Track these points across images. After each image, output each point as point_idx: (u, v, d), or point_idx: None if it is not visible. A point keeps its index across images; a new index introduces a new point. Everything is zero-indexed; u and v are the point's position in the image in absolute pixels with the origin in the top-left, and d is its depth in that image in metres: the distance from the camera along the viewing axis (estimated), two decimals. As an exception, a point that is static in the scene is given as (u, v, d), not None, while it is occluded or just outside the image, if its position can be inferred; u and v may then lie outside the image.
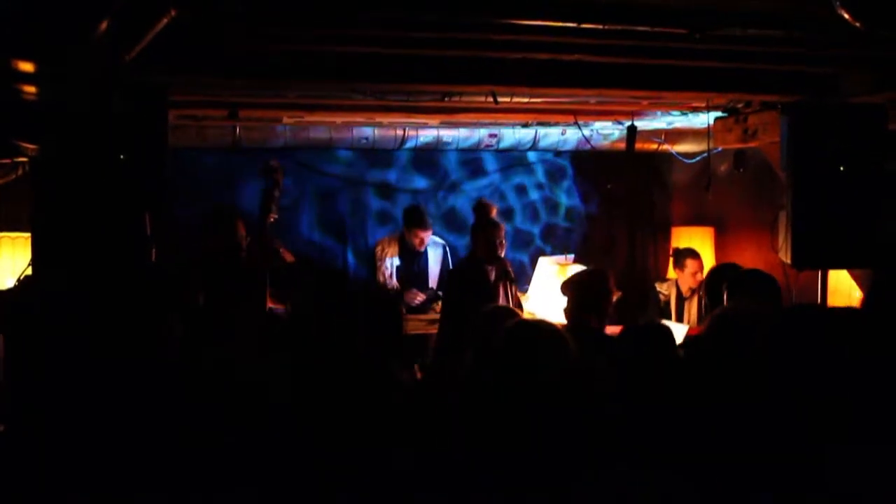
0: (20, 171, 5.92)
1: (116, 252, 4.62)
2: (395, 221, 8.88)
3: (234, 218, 5.88)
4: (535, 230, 9.78)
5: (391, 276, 7.80)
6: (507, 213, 9.49)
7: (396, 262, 7.81)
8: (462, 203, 9.40)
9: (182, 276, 4.90)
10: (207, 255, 5.83)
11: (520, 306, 6.76)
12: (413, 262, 7.86)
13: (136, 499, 2.67)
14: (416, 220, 7.73)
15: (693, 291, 7.45)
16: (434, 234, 8.03)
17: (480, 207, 7.21)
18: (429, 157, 9.18)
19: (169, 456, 2.79)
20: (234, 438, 2.81)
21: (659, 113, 7.40)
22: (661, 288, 7.82)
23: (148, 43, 3.85)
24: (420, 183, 9.29)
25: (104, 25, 3.14)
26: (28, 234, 5.36)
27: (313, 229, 9.01)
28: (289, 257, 6.06)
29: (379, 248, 7.94)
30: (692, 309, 7.39)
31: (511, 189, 9.64)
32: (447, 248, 7.93)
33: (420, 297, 7.67)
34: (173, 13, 3.68)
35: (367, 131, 8.03)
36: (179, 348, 3.83)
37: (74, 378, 3.71)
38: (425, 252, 7.88)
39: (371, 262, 8.04)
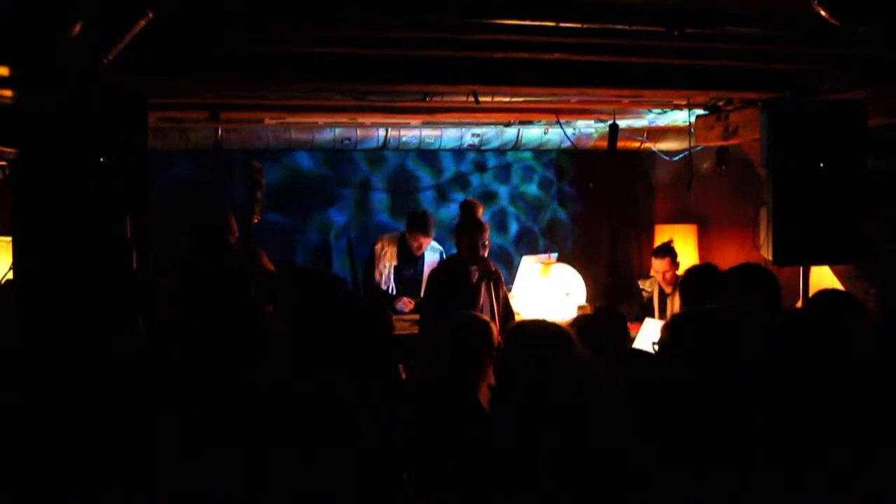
0: (0, 176, 5.90)
1: (97, 256, 4.60)
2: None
3: (221, 226, 5.87)
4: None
5: (388, 276, 7.79)
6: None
7: (395, 263, 7.79)
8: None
9: (156, 279, 4.89)
10: (193, 257, 5.83)
11: (509, 307, 6.71)
12: (409, 265, 7.84)
13: (108, 495, 2.68)
14: (419, 225, 7.68)
15: (674, 288, 7.45)
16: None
17: (467, 206, 7.18)
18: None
19: (138, 453, 2.79)
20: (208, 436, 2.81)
21: (641, 111, 7.41)
22: (644, 285, 7.83)
23: (126, 45, 3.84)
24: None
25: (78, 28, 3.13)
26: (8, 238, 5.34)
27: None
28: (269, 265, 6.04)
29: (378, 246, 7.92)
30: (674, 305, 7.38)
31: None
32: (444, 255, 7.91)
33: (410, 307, 7.66)
34: (150, 15, 3.67)
35: (350, 132, 8.02)
36: (145, 348, 3.83)
37: (54, 380, 3.70)
38: (422, 256, 7.86)
39: (369, 258, 8.02)
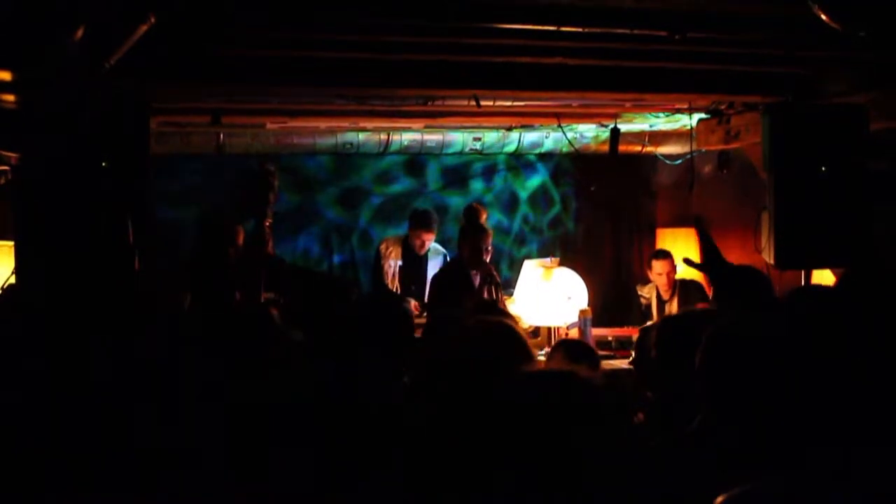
0: (2, 180, 5.89)
1: (99, 259, 4.61)
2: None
3: (228, 228, 5.88)
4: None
5: (394, 276, 7.78)
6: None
7: (400, 262, 7.79)
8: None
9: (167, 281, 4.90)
10: (198, 258, 5.83)
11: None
12: (413, 266, 7.83)
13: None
14: (421, 221, 7.67)
15: (672, 293, 7.42)
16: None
17: (470, 211, 7.17)
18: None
19: (150, 460, 2.79)
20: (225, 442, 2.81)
21: (643, 115, 7.41)
22: (643, 291, 7.79)
23: (128, 50, 3.85)
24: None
25: (80, 32, 3.14)
26: (11, 243, 5.35)
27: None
28: (270, 250, 6.04)
29: (383, 246, 7.91)
30: (672, 311, 7.35)
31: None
32: (447, 258, 7.89)
33: (416, 311, 7.63)
34: (152, 20, 3.68)
35: (352, 136, 8.01)
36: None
37: (56, 384, 3.70)
38: (426, 259, 7.84)
39: (375, 259, 8.02)
